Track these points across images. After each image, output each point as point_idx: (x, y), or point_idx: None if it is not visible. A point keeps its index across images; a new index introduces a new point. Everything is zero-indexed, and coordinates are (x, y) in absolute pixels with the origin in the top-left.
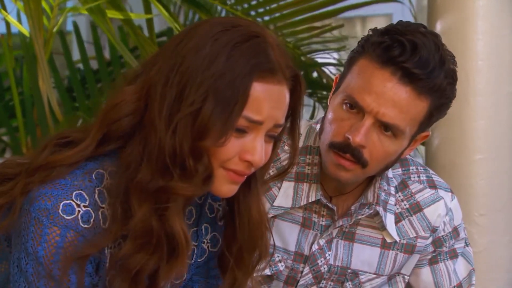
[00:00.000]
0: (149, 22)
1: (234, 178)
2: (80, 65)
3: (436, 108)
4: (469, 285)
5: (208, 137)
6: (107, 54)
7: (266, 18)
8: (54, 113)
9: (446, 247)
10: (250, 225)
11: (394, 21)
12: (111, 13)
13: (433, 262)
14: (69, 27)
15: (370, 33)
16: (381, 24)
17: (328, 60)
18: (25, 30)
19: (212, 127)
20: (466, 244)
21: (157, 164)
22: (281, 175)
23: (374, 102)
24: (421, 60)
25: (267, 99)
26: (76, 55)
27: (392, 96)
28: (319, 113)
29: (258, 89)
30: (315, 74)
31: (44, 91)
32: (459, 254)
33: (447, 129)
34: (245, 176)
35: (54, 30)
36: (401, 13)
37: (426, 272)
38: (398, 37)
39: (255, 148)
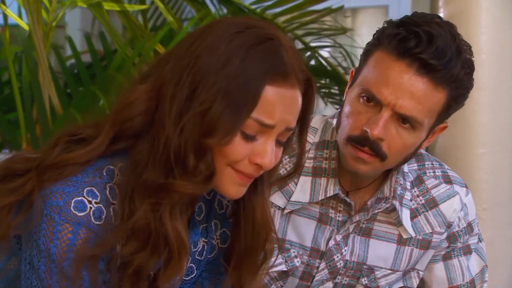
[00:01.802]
0: (144, 14)
1: (242, 179)
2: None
3: (454, 99)
4: (482, 282)
5: (213, 135)
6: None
7: (255, 6)
8: (54, 108)
9: (460, 242)
10: (254, 226)
11: (390, 13)
12: (108, 5)
13: (446, 257)
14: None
15: (385, 25)
16: (376, 16)
17: (325, 54)
18: (24, 24)
19: (219, 126)
20: (479, 240)
21: (161, 161)
22: (286, 178)
23: (391, 95)
24: (438, 51)
25: (279, 102)
26: (69, 50)
27: (409, 88)
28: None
29: (271, 92)
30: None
31: (44, 86)
32: (472, 250)
33: (449, 123)
34: (253, 178)
35: (54, 24)
36: (397, 5)
37: (439, 268)
38: (414, 28)
39: (265, 151)
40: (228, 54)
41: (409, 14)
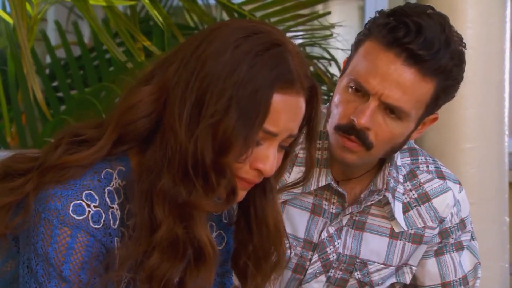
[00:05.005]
0: (133, 8)
1: (243, 185)
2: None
3: (443, 90)
4: (475, 278)
5: (230, 152)
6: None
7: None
8: (38, 103)
9: (452, 238)
10: (268, 231)
11: (367, 6)
12: (93, 0)
13: (439, 253)
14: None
15: (377, 15)
16: (352, 10)
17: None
18: (8, 17)
19: (234, 141)
20: (472, 238)
21: (179, 171)
22: (296, 185)
23: (378, 85)
24: (426, 41)
25: (284, 111)
26: (54, 41)
27: (396, 78)
28: None
29: (277, 100)
30: None
31: (29, 79)
32: (465, 247)
33: None
34: (254, 184)
35: (39, 17)
36: None
37: (431, 263)
38: (403, 19)
39: (267, 158)
40: (235, 60)
41: (386, 6)
